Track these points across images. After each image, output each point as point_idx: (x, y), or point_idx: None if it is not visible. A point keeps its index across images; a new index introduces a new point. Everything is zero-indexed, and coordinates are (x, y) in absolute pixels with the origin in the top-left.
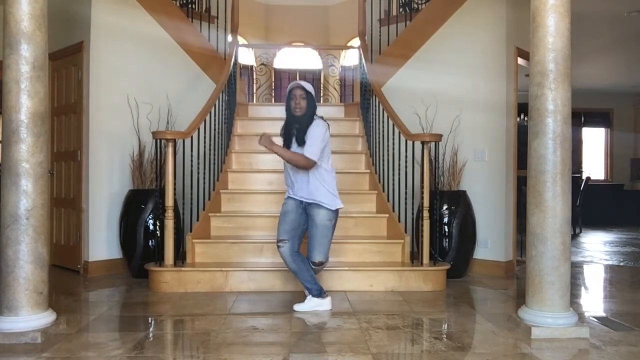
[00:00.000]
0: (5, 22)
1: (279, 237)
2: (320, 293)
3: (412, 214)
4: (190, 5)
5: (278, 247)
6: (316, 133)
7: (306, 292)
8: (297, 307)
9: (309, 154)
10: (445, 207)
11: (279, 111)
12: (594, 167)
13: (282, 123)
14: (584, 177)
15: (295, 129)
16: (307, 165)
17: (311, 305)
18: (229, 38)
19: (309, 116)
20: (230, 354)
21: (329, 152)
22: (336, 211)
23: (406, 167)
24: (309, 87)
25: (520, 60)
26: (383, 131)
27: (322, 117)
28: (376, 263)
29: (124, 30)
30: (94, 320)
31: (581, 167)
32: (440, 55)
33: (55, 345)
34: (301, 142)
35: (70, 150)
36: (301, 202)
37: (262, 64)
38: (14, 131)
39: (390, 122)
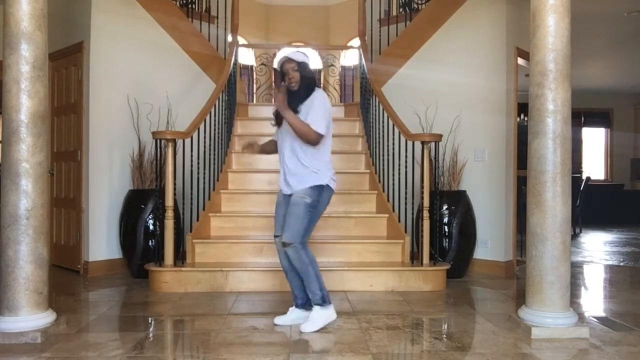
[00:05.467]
0: (5, 22)
1: (274, 232)
2: (304, 304)
3: (412, 214)
4: (190, 5)
5: (275, 241)
6: (318, 103)
7: (298, 300)
8: (276, 319)
9: (315, 127)
10: (445, 207)
11: None
12: (594, 167)
13: None
14: (584, 177)
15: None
16: (315, 140)
17: (294, 317)
18: (229, 38)
19: (307, 86)
20: (230, 354)
21: (331, 127)
22: (317, 188)
23: (406, 167)
24: (298, 56)
25: (520, 60)
26: (383, 131)
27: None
28: (376, 263)
29: (124, 30)
30: (94, 320)
31: (581, 167)
32: (440, 55)
33: (55, 345)
34: (295, 113)
35: (70, 150)
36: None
37: (262, 64)
38: (14, 131)
39: (390, 122)
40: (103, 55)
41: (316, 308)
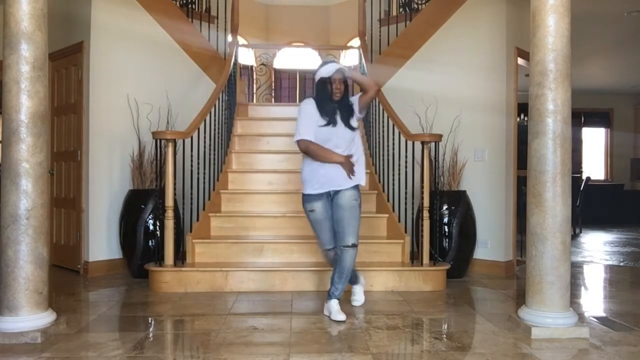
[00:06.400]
0: (5, 22)
1: (325, 246)
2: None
3: (412, 214)
4: (190, 5)
5: (327, 252)
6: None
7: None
8: (340, 317)
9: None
10: (445, 207)
11: (279, 111)
12: (594, 167)
13: (281, 123)
14: (584, 177)
15: (339, 113)
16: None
17: (337, 307)
18: (229, 38)
19: (348, 99)
20: (230, 354)
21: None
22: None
23: (406, 167)
24: (346, 69)
25: (520, 60)
26: (383, 131)
27: None
28: (376, 263)
29: (124, 30)
30: (94, 320)
31: (581, 167)
32: (440, 55)
33: (55, 345)
34: (350, 127)
35: (70, 150)
36: (329, 195)
37: (262, 64)
38: (14, 131)
39: (390, 122)
40: (103, 55)
41: (336, 301)
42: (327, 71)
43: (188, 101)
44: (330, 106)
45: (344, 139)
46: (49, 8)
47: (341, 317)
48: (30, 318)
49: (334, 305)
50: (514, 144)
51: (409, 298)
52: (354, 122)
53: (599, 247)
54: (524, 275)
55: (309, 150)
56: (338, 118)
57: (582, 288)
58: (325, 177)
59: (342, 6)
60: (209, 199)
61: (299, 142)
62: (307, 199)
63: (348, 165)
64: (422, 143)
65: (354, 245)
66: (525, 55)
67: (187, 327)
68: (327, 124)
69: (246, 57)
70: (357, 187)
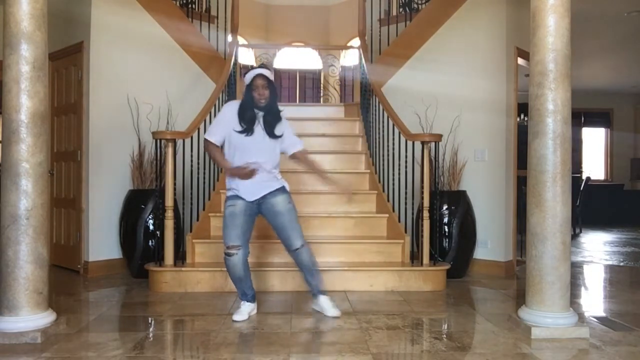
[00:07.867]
0: (5, 22)
1: (230, 243)
2: (253, 297)
3: (412, 214)
4: (190, 5)
5: (229, 255)
6: (288, 125)
7: (243, 296)
8: (237, 317)
9: (301, 145)
10: (445, 207)
11: None
12: (594, 167)
13: None
14: (584, 177)
15: (262, 119)
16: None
17: (249, 310)
18: (229, 38)
19: (275, 106)
20: (230, 354)
21: None
22: (287, 190)
23: (406, 167)
24: (269, 73)
25: (520, 60)
26: (383, 131)
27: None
28: (376, 263)
29: (124, 30)
30: (94, 320)
31: (581, 167)
32: (440, 55)
33: (55, 345)
34: (272, 135)
35: (70, 150)
36: (253, 200)
37: (262, 64)
38: (14, 131)
39: (390, 122)
40: (103, 55)
41: (325, 297)
42: (248, 77)
43: (188, 101)
44: (251, 114)
45: (265, 149)
46: (49, 8)
47: (336, 312)
48: (30, 318)
49: (325, 300)
50: (514, 144)
51: (409, 298)
52: (278, 131)
53: (599, 247)
54: (524, 275)
55: (207, 152)
56: (258, 127)
57: (582, 288)
58: (247, 188)
59: (342, 6)
60: (209, 199)
61: (205, 140)
62: (231, 197)
63: (239, 173)
64: (422, 143)
65: (303, 246)
66: (525, 55)
67: (187, 327)
68: (243, 132)
69: (246, 57)
70: (283, 189)
